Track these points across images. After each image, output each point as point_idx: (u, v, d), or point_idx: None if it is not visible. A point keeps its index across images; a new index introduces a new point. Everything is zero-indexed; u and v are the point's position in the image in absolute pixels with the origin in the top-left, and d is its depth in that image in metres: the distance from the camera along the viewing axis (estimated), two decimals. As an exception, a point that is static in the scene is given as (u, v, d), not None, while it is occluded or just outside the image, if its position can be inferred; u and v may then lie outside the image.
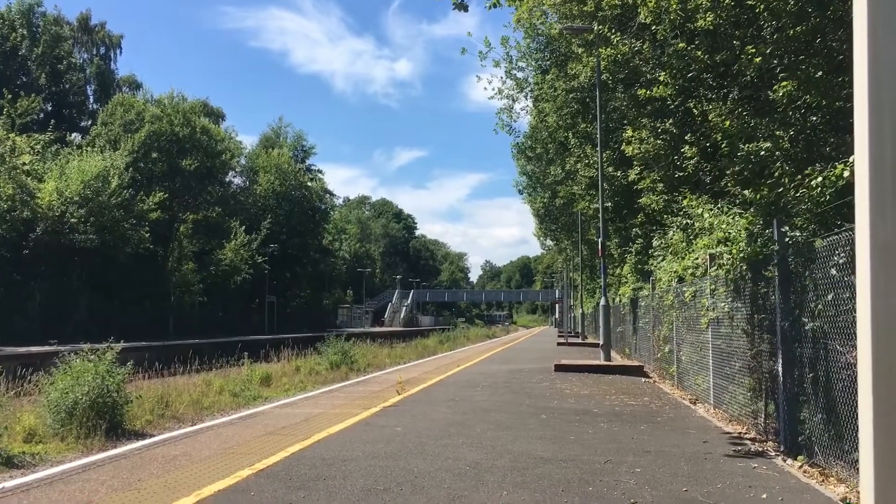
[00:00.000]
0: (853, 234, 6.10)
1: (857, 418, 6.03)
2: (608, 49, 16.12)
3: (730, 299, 10.03)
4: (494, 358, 27.22)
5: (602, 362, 19.76)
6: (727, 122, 11.30)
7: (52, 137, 41.44)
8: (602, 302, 21.01)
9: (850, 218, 6.95)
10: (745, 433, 9.44)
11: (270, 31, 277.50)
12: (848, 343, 6.26)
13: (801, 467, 7.27)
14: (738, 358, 9.81)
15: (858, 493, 6.02)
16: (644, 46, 15.48)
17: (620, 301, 26.21)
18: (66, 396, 9.92)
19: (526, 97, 28.05)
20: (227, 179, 56.74)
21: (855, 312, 5.99)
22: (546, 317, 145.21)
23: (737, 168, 11.05)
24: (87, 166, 37.72)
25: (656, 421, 10.55)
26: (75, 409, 9.81)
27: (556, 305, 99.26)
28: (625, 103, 18.90)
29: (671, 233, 15.21)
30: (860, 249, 2.12)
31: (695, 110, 13.50)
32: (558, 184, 32.34)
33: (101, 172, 37.83)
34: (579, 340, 42.58)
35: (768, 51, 11.09)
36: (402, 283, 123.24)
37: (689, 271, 12.83)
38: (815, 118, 10.59)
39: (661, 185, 17.11)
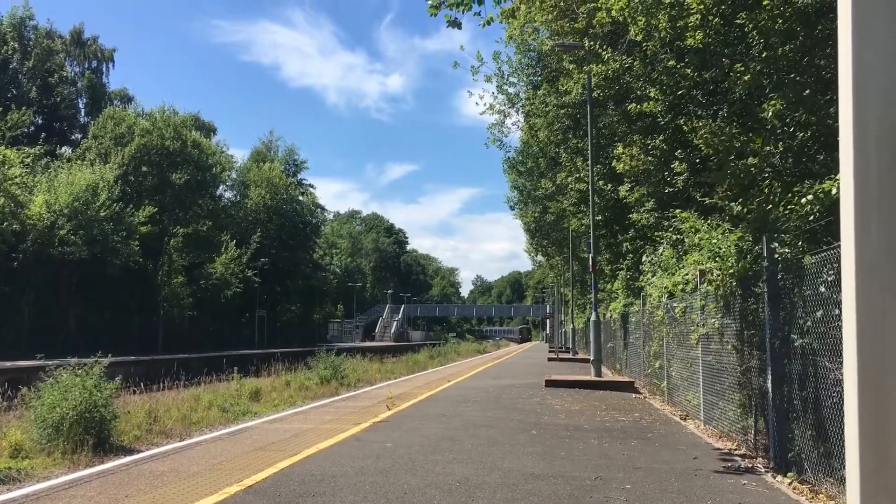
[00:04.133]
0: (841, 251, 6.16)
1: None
2: (599, 65, 16.23)
3: (720, 315, 10.05)
4: (485, 373, 27.16)
5: (593, 378, 19.75)
6: (716, 139, 11.38)
7: (42, 150, 41.31)
8: (593, 317, 21.04)
9: (839, 235, 7.00)
10: (735, 449, 9.44)
11: (262, 44, 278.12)
12: (837, 360, 6.28)
13: (790, 484, 7.27)
14: (727, 374, 9.83)
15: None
16: (634, 63, 15.60)
17: (611, 316, 26.24)
18: (54, 411, 9.84)
19: (517, 112, 28.21)
20: (218, 193, 56.66)
21: (843, 329, 6.03)
22: (537, 332, 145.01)
23: (725, 182, 11.12)
24: (76, 179, 37.64)
25: (647, 437, 10.54)
26: (62, 424, 9.73)
27: (547, 321, 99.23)
28: (615, 119, 19.02)
29: (661, 248, 15.26)
30: (846, 267, 2.13)
31: (685, 127, 13.58)
32: (549, 199, 32.43)
33: (90, 185, 37.75)
34: (570, 356, 42.52)
35: (757, 69, 11.18)
36: (393, 297, 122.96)
37: (680, 287, 12.87)
38: (803, 135, 10.67)
39: (651, 200, 17.19)
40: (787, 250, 7.88)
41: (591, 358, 21.05)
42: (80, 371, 10.69)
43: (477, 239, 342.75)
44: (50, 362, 12.67)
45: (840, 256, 6.19)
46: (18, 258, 35.04)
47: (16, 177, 35.12)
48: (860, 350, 2.03)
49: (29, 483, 7.94)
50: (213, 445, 9.98)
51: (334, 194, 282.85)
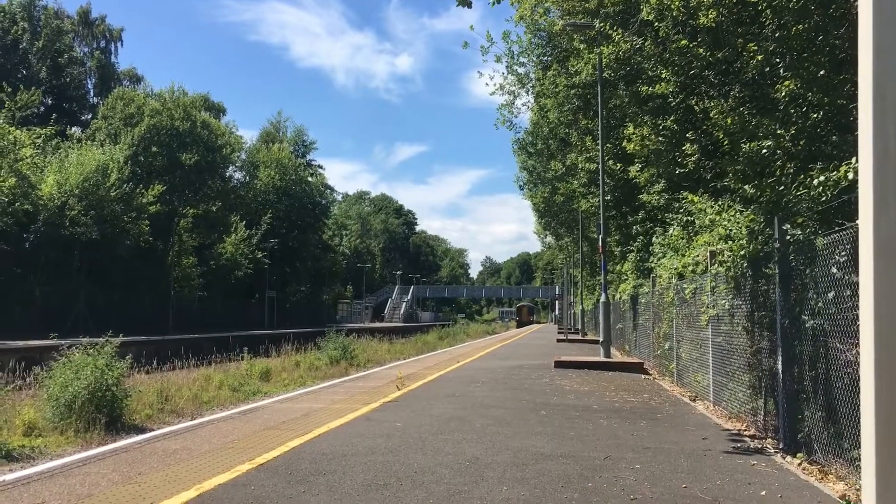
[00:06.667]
0: (854, 232, 6.12)
1: (856, 416, 6.04)
2: (610, 46, 16.10)
3: (730, 296, 10.03)
4: (494, 354, 27.23)
5: (602, 359, 19.77)
6: (728, 120, 11.30)
7: (52, 131, 41.38)
8: (602, 299, 21.01)
9: (851, 216, 6.96)
10: (745, 430, 9.45)
11: (270, 24, 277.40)
12: (848, 341, 6.26)
13: (800, 465, 7.28)
14: (737, 355, 9.82)
15: (857, 490, 6.03)
16: (646, 43, 15.47)
17: (621, 298, 26.22)
18: (66, 390, 9.94)
19: (527, 93, 28.00)
20: (228, 174, 56.67)
21: (855, 310, 6.01)
22: (546, 313, 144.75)
23: (738, 166, 11.05)
24: (86, 159, 37.74)
25: (656, 417, 10.55)
26: (75, 403, 9.83)
27: (556, 302, 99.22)
28: (626, 100, 18.89)
29: (672, 230, 15.21)
30: (863, 246, 2.11)
31: (696, 108, 13.50)
32: (558, 180, 32.34)
33: (100, 165, 37.84)
34: (579, 337, 42.58)
35: (770, 48, 11.08)
36: (402, 278, 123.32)
37: (690, 268, 12.84)
38: (816, 116, 10.59)
39: (662, 181, 17.12)
40: (798, 231, 7.85)
41: (601, 339, 21.05)
42: (91, 350, 10.77)
43: (486, 220, 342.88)
44: (62, 342, 12.77)
45: (852, 237, 6.13)
46: (30, 239, 35.24)
47: (27, 157, 35.22)
48: (877, 328, 2.02)
49: (42, 461, 8.03)
50: (225, 424, 10.05)
51: (343, 175, 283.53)
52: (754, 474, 6.90)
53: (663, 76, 14.63)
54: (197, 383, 14.60)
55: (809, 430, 7.39)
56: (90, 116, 55.94)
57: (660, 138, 15.95)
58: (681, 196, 14.58)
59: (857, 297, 5.91)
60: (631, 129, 16.90)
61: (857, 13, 2.22)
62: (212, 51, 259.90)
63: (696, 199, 12.87)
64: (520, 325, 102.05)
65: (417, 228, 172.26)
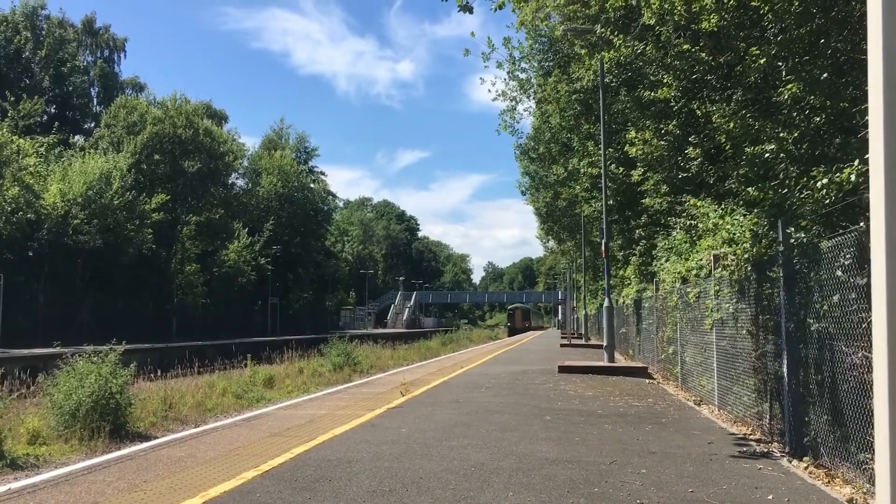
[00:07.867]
0: (858, 235, 6.11)
1: (863, 419, 6.02)
2: (611, 51, 16.10)
3: (734, 300, 10.01)
4: (498, 359, 27.19)
5: (606, 363, 19.73)
6: (731, 124, 11.29)
7: (55, 139, 41.50)
8: (606, 303, 20.99)
9: (855, 219, 6.95)
10: (750, 434, 9.42)
11: (271, 31, 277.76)
12: (854, 344, 6.24)
13: (806, 468, 7.25)
14: (742, 359, 9.80)
15: (864, 494, 6.01)
16: (647, 48, 15.46)
17: (624, 302, 26.19)
18: (70, 398, 9.93)
19: (529, 98, 27.99)
20: (230, 181, 56.73)
21: (861, 313, 5.99)
22: (549, 318, 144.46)
23: (741, 170, 11.04)
24: (89, 168, 37.84)
25: (661, 422, 10.53)
26: (79, 411, 9.82)
27: (559, 307, 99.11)
28: (628, 105, 18.89)
29: (675, 233, 15.20)
30: (875, 248, 2.10)
31: (698, 112, 13.49)
32: (561, 184, 32.34)
33: (103, 174, 37.95)
34: (582, 342, 42.53)
35: (772, 52, 11.07)
36: (405, 284, 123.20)
37: (693, 272, 12.82)
38: (819, 119, 10.57)
39: (665, 186, 17.10)
40: (802, 234, 7.83)
41: (604, 344, 21.02)
42: (95, 358, 10.77)
43: (488, 225, 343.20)
44: (66, 350, 12.78)
45: (857, 240, 6.11)
46: (33, 247, 35.30)
47: (30, 166, 35.30)
48: (891, 329, 2.01)
49: (47, 469, 8.02)
50: (229, 431, 10.04)
51: (345, 182, 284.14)
52: (760, 478, 6.88)
53: (665, 81, 14.62)
54: (201, 390, 14.58)
55: (816, 433, 7.37)
56: (93, 125, 56.08)
57: (662, 142, 15.94)
58: (684, 200, 14.57)
59: (863, 299, 5.85)
60: (633, 134, 16.89)
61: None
62: (214, 58, 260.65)
63: (699, 202, 12.85)
64: (512, 332, 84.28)
65: (420, 234, 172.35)
